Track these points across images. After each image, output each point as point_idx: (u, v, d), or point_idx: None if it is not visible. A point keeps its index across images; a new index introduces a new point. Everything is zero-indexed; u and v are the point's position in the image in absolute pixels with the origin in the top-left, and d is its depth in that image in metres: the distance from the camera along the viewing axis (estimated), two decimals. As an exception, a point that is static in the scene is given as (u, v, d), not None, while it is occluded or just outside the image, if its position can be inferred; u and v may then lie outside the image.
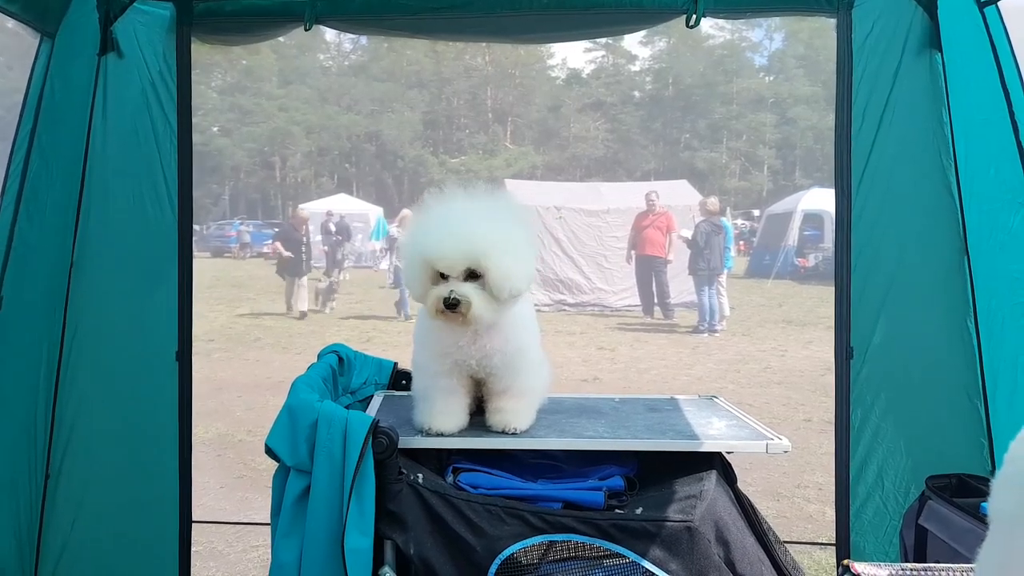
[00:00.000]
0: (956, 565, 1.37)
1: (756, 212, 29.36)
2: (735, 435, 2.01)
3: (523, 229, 1.84)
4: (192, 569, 3.09)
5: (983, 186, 2.42)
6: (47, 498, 2.93)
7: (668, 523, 1.78)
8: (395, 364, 2.45)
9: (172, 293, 2.72)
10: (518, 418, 1.96)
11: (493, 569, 1.77)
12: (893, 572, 1.34)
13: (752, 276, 19.03)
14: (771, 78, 46.04)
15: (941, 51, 2.47)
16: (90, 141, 2.80)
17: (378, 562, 1.76)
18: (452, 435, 1.94)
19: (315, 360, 2.22)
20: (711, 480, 1.90)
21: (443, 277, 1.80)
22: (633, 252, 12.20)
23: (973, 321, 2.64)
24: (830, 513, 4.68)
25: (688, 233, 11.63)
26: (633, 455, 2.01)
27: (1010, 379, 2.53)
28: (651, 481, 1.97)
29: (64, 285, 2.82)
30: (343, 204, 23.49)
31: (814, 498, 4.87)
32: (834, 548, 3.02)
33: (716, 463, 1.98)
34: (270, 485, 1.87)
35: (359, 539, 1.70)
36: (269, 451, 1.78)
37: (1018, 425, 2.50)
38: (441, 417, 1.93)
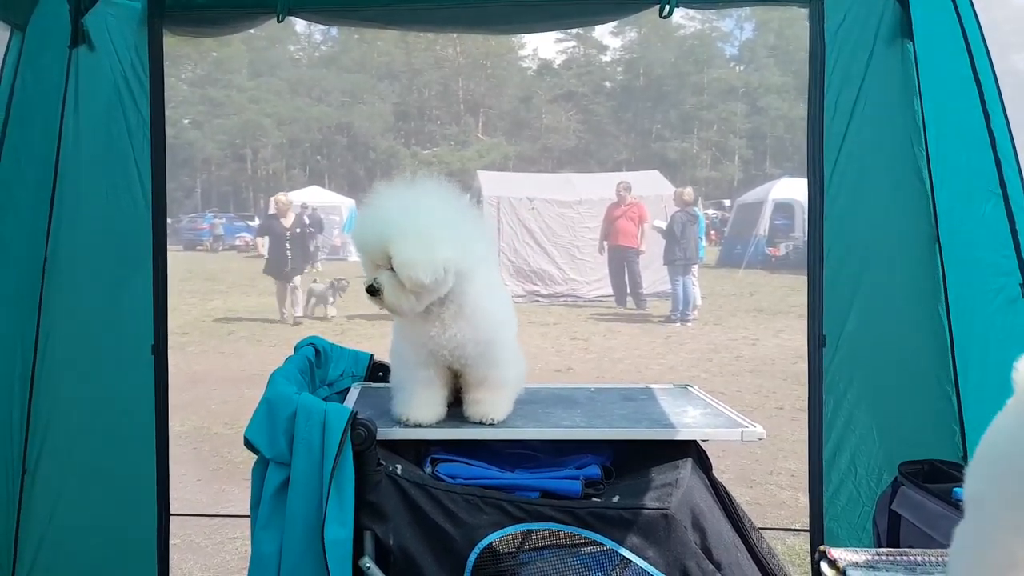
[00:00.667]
0: (931, 550, 1.40)
1: (727, 202, 29.56)
2: (710, 423, 2.04)
3: (439, 220, 1.82)
4: (170, 562, 3.08)
5: (955, 174, 2.46)
6: (23, 494, 2.89)
7: (645, 511, 1.81)
8: (371, 356, 2.45)
9: (147, 287, 2.69)
10: (495, 409, 1.97)
11: (472, 558, 1.78)
12: (869, 557, 1.37)
13: (723, 265, 19.20)
14: (742, 68, 46.36)
15: (913, 40, 2.50)
16: (62, 135, 2.76)
17: (358, 553, 1.77)
18: (430, 426, 1.94)
19: (290, 353, 2.22)
20: (687, 468, 1.93)
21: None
22: (605, 243, 12.25)
23: (944, 308, 2.69)
24: (803, 499, 4.76)
25: (662, 223, 11.70)
26: (609, 444, 2.02)
27: (981, 365, 2.58)
28: (627, 469, 1.99)
29: (38, 281, 2.78)
30: (315, 196, 23.30)
31: (787, 485, 4.95)
32: (807, 534, 3.07)
33: (691, 451, 2.00)
34: (247, 477, 1.87)
35: (338, 530, 1.71)
36: (248, 443, 1.78)
37: (988, 411, 2.56)
38: (419, 408, 1.94)
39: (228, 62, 40.74)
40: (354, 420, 1.74)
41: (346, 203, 23.83)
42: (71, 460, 2.93)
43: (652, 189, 13.64)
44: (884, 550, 1.39)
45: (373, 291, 1.83)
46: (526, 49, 46.61)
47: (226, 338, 10.62)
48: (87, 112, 2.78)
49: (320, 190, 27.39)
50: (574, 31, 41.97)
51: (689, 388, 2.44)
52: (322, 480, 1.71)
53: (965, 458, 2.85)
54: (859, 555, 1.37)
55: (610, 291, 12.74)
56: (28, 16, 2.57)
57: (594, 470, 1.93)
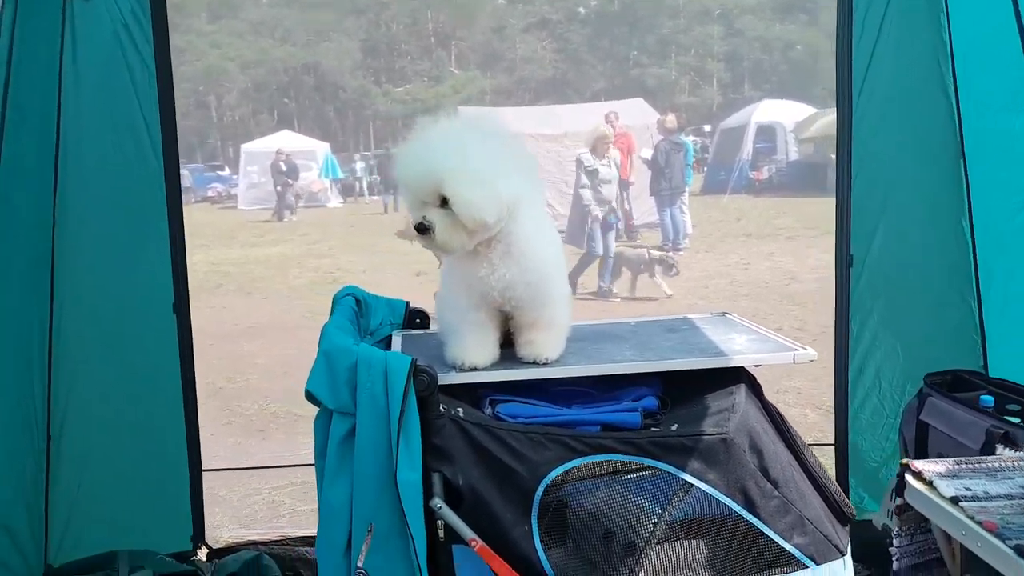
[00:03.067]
0: (1007, 455, 1.43)
1: (707, 128, 29.35)
2: (760, 348, 2.06)
3: (493, 155, 1.79)
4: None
5: (983, 90, 2.45)
6: (51, 461, 2.88)
7: (705, 437, 1.83)
8: (407, 303, 2.43)
9: (163, 244, 2.62)
10: (548, 348, 1.97)
11: (539, 492, 1.80)
12: (951, 467, 1.40)
13: (708, 192, 19.17)
14: (715, -12, 45.47)
15: (940, -45, 2.46)
16: (62, 91, 2.64)
17: (427, 495, 1.78)
18: (486, 368, 1.94)
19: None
20: (741, 393, 1.95)
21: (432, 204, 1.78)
22: None
23: (968, 224, 2.71)
24: (811, 415, 4.88)
25: (648, 153, 11.60)
26: (657, 375, 2.03)
27: (1005, 277, 2.61)
28: (680, 399, 2.00)
29: (48, 244, 2.71)
30: (288, 142, 22.83)
31: (794, 402, 5.06)
32: (827, 449, 3.15)
33: (743, 376, 2.02)
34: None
35: (409, 473, 1.71)
36: (309, 396, 1.76)
37: (1011, 321, 2.60)
38: (473, 351, 1.93)
39: (186, 6, 39.24)
40: (415, 367, 1.73)
41: (321, 147, 23.40)
42: (96, 423, 2.92)
43: (638, 118, 13.47)
44: (963, 459, 1.42)
45: (423, 229, 1.79)
46: (496, -24, 45.37)
47: (214, 291, 10.51)
48: (87, 65, 2.67)
49: (292, 135, 26.77)
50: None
51: (728, 315, 2.45)
52: (389, 427, 1.71)
53: (985, 367, 2.92)
54: (941, 466, 1.40)
55: (599, 224, 12.67)
56: (20, -32, 2.44)
57: (651, 401, 1.95)
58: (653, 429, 1.88)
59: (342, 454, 1.75)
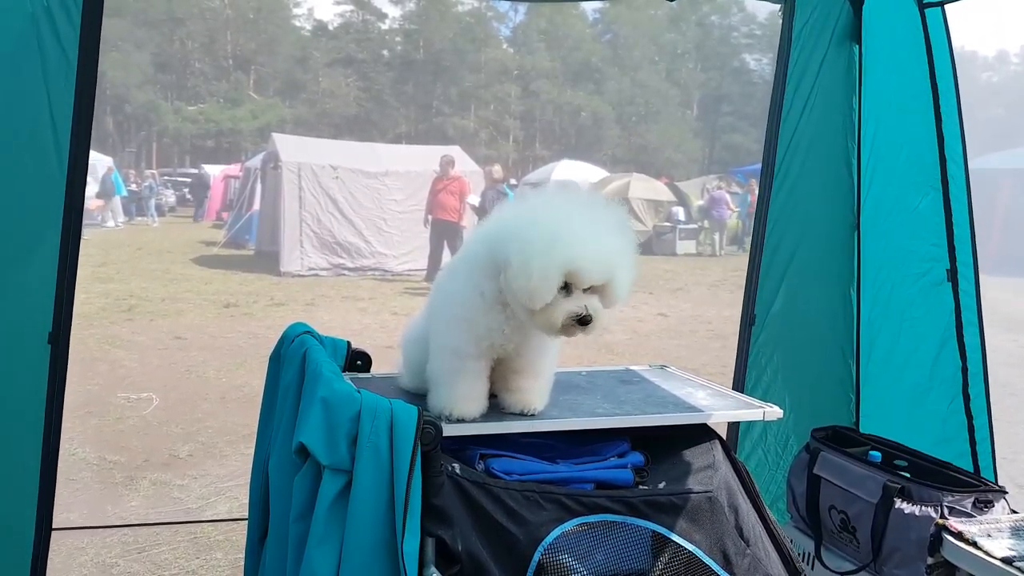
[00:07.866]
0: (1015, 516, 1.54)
1: (514, 181, 30.44)
2: (726, 405, 2.09)
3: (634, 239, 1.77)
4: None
5: (891, 168, 2.70)
6: None
7: (692, 495, 1.82)
8: (348, 344, 2.22)
9: (51, 264, 2.17)
10: (537, 398, 1.87)
11: (537, 557, 1.69)
12: (982, 527, 1.48)
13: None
14: (514, 50, 47.81)
15: (860, 43, 2.70)
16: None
17: (420, 562, 1.60)
18: (474, 420, 1.80)
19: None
20: (719, 449, 1.96)
21: (564, 288, 1.63)
22: (430, 216, 12.00)
23: (856, 290, 2.97)
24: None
25: (476, 200, 11.78)
26: (628, 429, 2.00)
27: (890, 341, 2.88)
28: (659, 454, 1.98)
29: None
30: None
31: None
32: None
33: (712, 432, 2.04)
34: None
35: (412, 540, 1.54)
36: (301, 449, 1.53)
37: (887, 380, 2.83)
38: (466, 402, 1.78)
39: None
40: (422, 419, 1.57)
41: (102, 162, 21.28)
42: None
43: (459, 165, 13.63)
44: (990, 519, 1.51)
45: (588, 320, 1.65)
46: (301, 8, 44.56)
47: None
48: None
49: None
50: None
51: (667, 368, 2.47)
52: (392, 487, 1.52)
53: (858, 423, 3.20)
54: (974, 526, 1.48)
55: (418, 265, 12.59)
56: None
57: (637, 457, 1.90)
58: (642, 487, 1.84)
59: (331, 517, 1.53)
